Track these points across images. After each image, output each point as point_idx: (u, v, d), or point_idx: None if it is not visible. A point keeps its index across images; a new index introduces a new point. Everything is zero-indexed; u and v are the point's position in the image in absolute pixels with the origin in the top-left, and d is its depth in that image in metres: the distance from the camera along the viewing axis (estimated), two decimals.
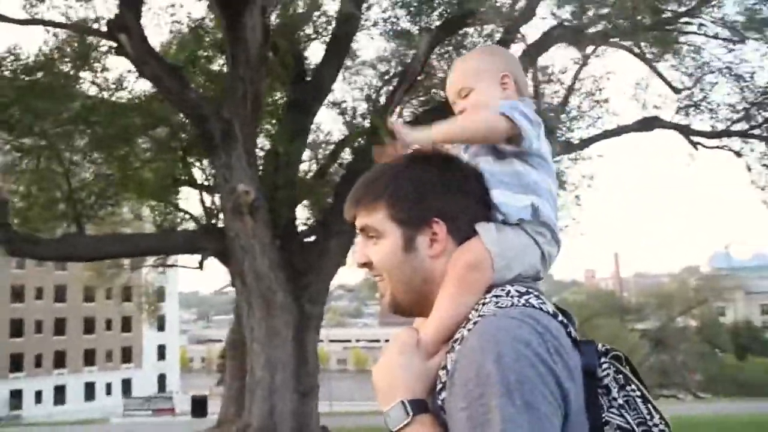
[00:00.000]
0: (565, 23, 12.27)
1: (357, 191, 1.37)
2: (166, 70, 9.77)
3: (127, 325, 63.73)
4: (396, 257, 1.31)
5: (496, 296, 1.23)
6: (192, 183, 13.83)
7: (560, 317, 1.22)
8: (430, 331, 1.25)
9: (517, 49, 12.40)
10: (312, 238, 12.54)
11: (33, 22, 10.70)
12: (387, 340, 1.43)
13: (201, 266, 17.96)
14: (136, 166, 12.77)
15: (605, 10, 10.29)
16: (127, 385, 62.82)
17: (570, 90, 10.69)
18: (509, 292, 1.24)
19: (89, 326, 61.47)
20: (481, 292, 1.25)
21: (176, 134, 12.93)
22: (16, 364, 56.85)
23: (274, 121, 13.45)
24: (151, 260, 20.29)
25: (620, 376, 1.25)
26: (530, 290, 1.25)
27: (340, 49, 12.88)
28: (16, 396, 55.88)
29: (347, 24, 12.56)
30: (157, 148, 13.16)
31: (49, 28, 11.13)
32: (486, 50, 1.58)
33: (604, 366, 1.24)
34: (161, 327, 65.60)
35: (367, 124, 12.87)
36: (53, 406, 57.31)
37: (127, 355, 63.87)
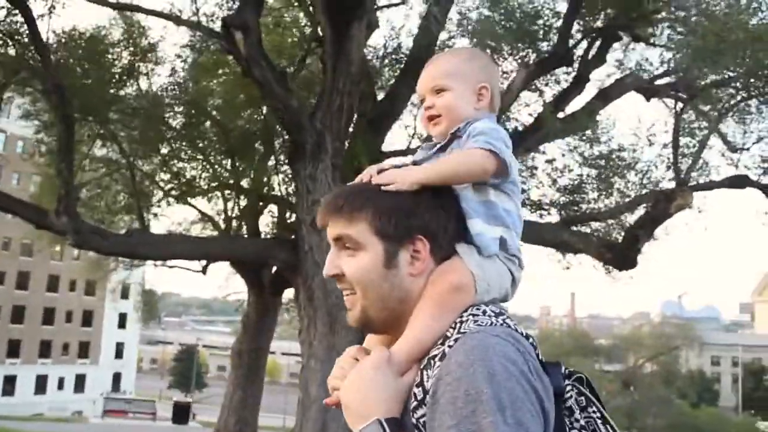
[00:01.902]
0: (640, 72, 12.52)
1: (338, 198, 1.32)
2: (275, 74, 9.62)
3: (87, 319, 61.97)
4: (375, 272, 1.28)
5: (473, 315, 1.23)
6: (265, 194, 13.56)
7: (531, 339, 1.23)
8: (405, 348, 1.23)
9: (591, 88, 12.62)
10: None
11: (131, 8, 10.37)
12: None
13: (204, 271, 17.59)
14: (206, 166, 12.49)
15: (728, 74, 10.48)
16: (80, 380, 60.91)
17: (676, 141, 10.83)
18: (485, 311, 1.24)
19: (48, 317, 59.50)
20: (458, 313, 1.24)
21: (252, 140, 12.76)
22: None
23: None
24: None
25: (582, 398, 1.27)
26: (502, 311, 1.27)
27: (416, 70, 12.88)
28: None
29: (426, 48, 12.58)
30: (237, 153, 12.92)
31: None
32: (471, 54, 1.53)
33: (567, 388, 1.26)
34: (122, 324, 64.10)
35: None
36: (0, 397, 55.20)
37: (83, 350, 61.94)
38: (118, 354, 64.55)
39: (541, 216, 12.34)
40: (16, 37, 9.54)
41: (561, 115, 12.20)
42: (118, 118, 11.56)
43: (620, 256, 11.58)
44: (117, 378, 63.96)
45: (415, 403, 1.17)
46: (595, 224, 12.09)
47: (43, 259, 58.24)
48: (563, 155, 12.65)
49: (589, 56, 12.38)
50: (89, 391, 60.59)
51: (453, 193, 1.32)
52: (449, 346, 1.16)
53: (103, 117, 11.39)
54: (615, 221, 12.25)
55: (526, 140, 12.45)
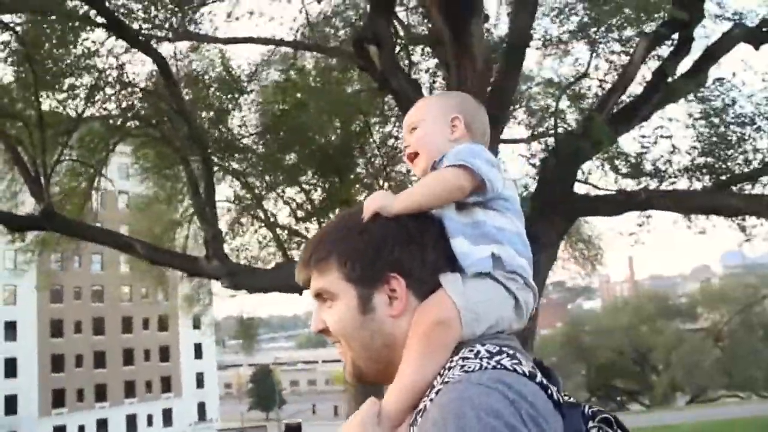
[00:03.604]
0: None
1: (306, 251, 1.27)
2: (411, 83, 9.45)
3: (165, 354, 63.13)
4: (352, 320, 1.20)
5: (463, 358, 1.11)
6: None
7: (539, 378, 1.09)
8: (392, 400, 1.13)
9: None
10: None
11: (253, 40, 10.30)
12: None
13: (301, 292, 17.52)
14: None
15: None
16: (167, 414, 62.03)
17: None
18: (478, 352, 1.12)
19: (128, 357, 60.77)
20: (448, 352, 1.14)
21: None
22: (59, 399, 56.09)
23: None
24: None
25: None
26: (504, 348, 1.13)
27: (517, 59, 12.62)
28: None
29: (522, 35, 12.30)
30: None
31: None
32: (445, 94, 1.66)
33: (593, 431, 1.12)
34: (198, 355, 65.13)
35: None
36: None
37: (166, 385, 63.09)
38: (199, 384, 65.48)
39: (691, 181, 11.94)
40: (147, 87, 9.58)
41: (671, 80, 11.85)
42: (239, 156, 11.55)
43: None
44: (201, 407, 64.97)
45: None
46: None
47: (114, 303, 59.67)
48: (694, 119, 12.25)
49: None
50: (177, 424, 61.77)
51: (429, 220, 1.23)
52: (431, 400, 1.06)
53: (225, 155, 11.39)
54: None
55: (640, 109, 12.12)
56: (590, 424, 1.12)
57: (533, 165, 13.91)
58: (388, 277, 1.19)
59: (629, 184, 12.68)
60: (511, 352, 1.12)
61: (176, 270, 10.67)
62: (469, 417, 0.97)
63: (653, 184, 12.36)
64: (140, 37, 8.82)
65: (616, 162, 12.34)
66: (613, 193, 11.64)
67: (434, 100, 1.45)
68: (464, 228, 1.22)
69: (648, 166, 12.37)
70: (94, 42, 9.75)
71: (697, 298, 51.34)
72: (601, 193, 12.25)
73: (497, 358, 1.10)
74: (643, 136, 13.30)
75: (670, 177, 11.93)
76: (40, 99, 9.09)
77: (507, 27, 13.06)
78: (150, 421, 60.97)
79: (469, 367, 1.08)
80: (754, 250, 33.90)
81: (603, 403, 41.39)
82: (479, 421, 0.96)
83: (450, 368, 1.10)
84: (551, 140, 13.36)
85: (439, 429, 0.98)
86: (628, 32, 11.69)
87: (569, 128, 12.71)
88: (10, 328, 54.20)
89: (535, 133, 14.08)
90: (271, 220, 11.52)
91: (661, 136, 12.84)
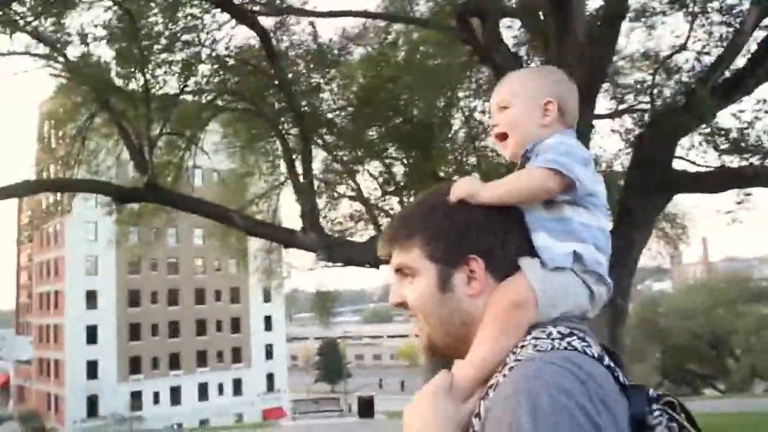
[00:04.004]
0: None
1: (390, 228, 1.31)
2: (512, 58, 9.30)
3: (236, 326, 64.88)
4: (432, 297, 1.24)
5: (536, 338, 1.14)
6: None
7: (606, 361, 1.13)
8: (466, 374, 1.16)
9: None
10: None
11: (349, 14, 10.27)
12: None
13: (378, 266, 17.61)
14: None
15: None
16: (237, 384, 63.87)
17: None
18: (550, 333, 1.15)
19: (201, 328, 62.72)
20: (522, 333, 1.16)
21: None
22: (135, 366, 58.48)
23: None
24: None
25: (674, 424, 1.12)
26: (574, 331, 1.16)
27: (613, 32, 12.27)
28: (136, 397, 57.49)
29: (618, 6, 11.94)
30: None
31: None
32: (541, 71, 1.46)
33: (656, 413, 1.12)
34: (268, 327, 66.70)
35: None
36: (170, 407, 58.77)
37: (237, 356, 64.89)
38: (268, 355, 67.11)
39: None
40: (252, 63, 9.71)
41: None
42: (330, 131, 11.63)
43: None
44: (270, 378, 66.62)
45: None
46: None
47: (188, 275, 61.58)
48: None
49: None
50: (246, 394, 63.57)
51: (514, 209, 1.25)
52: (504, 375, 1.09)
53: (314, 130, 11.46)
54: None
55: (744, 83, 11.64)
56: (654, 406, 1.13)
57: (627, 141, 13.57)
58: (468, 258, 1.22)
59: (727, 161, 12.23)
60: (581, 335, 1.16)
61: (273, 242, 10.84)
62: (541, 394, 1.00)
63: (755, 161, 11.89)
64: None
65: (716, 138, 11.90)
66: (716, 169, 11.25)
67: (527, 78, 1.40)
68: (549, 223, 1.24)
69: (751, 141, 11.89)
70: (193, 16, 9.92)
71: None
72: (702, 169, 11.86)
73: (568, 339, 1.13)
74: (742, 111, 12.80)
75: None
76: (146, 74, 9.34)
77: None
78: (221, 389, 62.93)
79: (542, 347, 1.11)
80: None
81: (677, 387, 40.50)
82: (551, 399, 0.99)
83: (523, 347, 1.13)
84: (645, 115, 12.99)
85: (511, 404, 1.01)
86: (730, 1, 11.17)
87: (667, 102, 12.31)
88: (92, 297, 56.65)
89: (627, 107, 13.69)
90: (363, 194, 11.58)
91: (766, 111, 12.33)
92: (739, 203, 12.65)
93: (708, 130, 12.22)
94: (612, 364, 1.14)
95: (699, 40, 12.67)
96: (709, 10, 12.35)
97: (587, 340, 1.15)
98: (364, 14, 9.93)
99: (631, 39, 13.25)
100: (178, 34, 9.71)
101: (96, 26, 9.36)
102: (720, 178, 11.01)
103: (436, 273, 1.24)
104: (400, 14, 10.60)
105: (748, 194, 12.47)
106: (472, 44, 9.29)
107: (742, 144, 12.30)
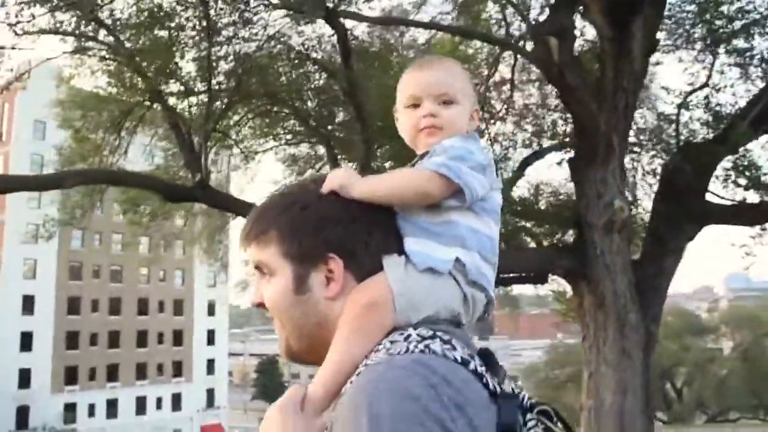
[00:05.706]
0: None
1: (247, 222, 1.22)
2: (583, 79, 9.42)
3: (178, 339, 63.01)
4: (286, 299, 1.16)
5: (392, 341, 1.07)
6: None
7: (473, 365, 1.04)
8: (318, 384, 1.09)
9: None
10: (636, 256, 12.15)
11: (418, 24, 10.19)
12: None
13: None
14: None
15: None
16: (177, 399, 61.90)
17: None
18: (408, 336, 1.07)
19: (142, 340, 60.65)
20: (378, 336, 1.09)
21: None
22: (71, 376, 55.97)
23: None
24: None
25: None
26: (437, 334, 1.07)
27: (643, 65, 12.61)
28: (70, 409, 54.96)
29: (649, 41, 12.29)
30: None
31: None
32: (466, 73, 1.36)
33: (530, 424, 1.06)
34: (211, 341, 65.05)
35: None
36: (105, 420, 56.43)
37: (177, 369, 62.95)
38: (210, 370, 65.37)
39: None
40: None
41: None
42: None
43: None
44: (210, 393, 64.83)
45: None
46: None
47: (132, 284, 59.57)
48: None
49: None
50: (186, 409, 61.65)
51: (390, 210, 1.18)
52: (351, 383, 1.02)
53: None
54: None
55: None
56: (528, 416, 1.07)
57: (651, 172, 13.89)
58: (326, 257, 1.15)
59: (746, 195, 12.62)
60: (446, 337, 1.07)
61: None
62: (382, 400, 0.93)
63: None
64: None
65: (745, 171, 12.31)
66: (752, 204, 11.64)
67: (467, 77, 1.33)
68: (430, 226, 1.16)
69: None
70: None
71: (716, 317, 51.26)
72: (727, 202, 12.21)
73: (427, 342, 1.05)
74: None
75: None
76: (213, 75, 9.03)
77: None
78: (159, 404, 60.77)
79: (395, 350, 1.04)
80: (760, 274, 33.77)
81: None
82: (393, 405, 0.92)
83: (376, 351, 1.06)
84: (669, 145, 13.32)
85: (351, 413, 0.95)
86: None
87: (697, 135, 12.71)
88: (28, 302, 54.02)
89: (652, 139, 14.03)
90: None
91: None
92: (753, 237, 13.08)
93: (730, 164, 12.61)
94: (479, 369, 1.05)
95: (722, 73, 13.11)
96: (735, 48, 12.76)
97: (452, 343, 1.06)
98: (431, 26, 9.94)
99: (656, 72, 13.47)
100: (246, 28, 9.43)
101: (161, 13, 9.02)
102: (755, 212, 11.40)
103: (292, 272, 1.15)
104: (467, 29, 10.62)
105: (765, 228, 12.95)
106: (545, 63, 9.36)
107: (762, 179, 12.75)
